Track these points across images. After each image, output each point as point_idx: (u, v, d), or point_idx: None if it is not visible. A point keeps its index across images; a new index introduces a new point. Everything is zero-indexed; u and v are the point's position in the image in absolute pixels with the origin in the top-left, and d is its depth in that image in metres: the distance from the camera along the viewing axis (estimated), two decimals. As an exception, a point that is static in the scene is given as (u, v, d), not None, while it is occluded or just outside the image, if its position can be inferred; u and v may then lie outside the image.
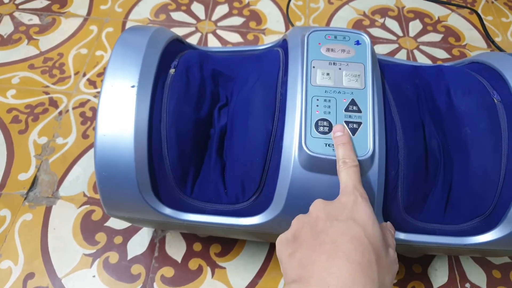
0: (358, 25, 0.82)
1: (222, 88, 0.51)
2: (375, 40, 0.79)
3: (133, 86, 0.42)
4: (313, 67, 0.43)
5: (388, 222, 0.39)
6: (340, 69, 0.43)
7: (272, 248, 0.55)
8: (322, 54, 0.44)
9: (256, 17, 0.83)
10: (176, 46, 0.52)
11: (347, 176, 0.37)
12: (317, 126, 0.40)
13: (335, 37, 0.45)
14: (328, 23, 0.81)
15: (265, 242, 0.56)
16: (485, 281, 0.53)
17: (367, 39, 0.45)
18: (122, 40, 0.46)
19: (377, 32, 0.81)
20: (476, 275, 0.53)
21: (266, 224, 0.43)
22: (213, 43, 0.78)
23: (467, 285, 0.52)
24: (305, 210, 0.41)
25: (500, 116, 0.43)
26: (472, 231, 0.44)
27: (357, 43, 0.45)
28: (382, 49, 0.78)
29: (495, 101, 0.44)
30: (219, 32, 0.80)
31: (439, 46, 0.79)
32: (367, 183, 0.40)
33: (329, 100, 0.41)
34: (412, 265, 0.54)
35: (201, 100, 0.46)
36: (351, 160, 0.38)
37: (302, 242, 0.32)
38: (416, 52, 0.78)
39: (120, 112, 0.41)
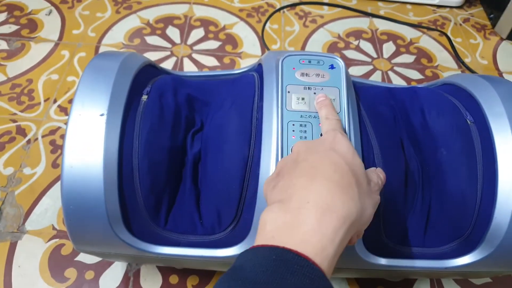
0: (333, 47, 0.83)
1: (197, 113, 0.50)
2: (350, 62, 0.80)
3: (102, 115, 0.40)
4: (288, 92, 0.43)
5: (378, 168, 0.39)
6: (315, 93, 0.43)
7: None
8: (297, 79, 0.43)
9: (232, 40, 0.83)
10: (149, 71, 0.51)
11: (329, 125, 0.38)
12: (293, 152, 0.39)
13: (309, 61, 0.45)
14: (303, 46, 0.82)
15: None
16: (468, 303, 0.52)
17: (341, 63, 0.45)
18: (92, 66, 0.44)
19: (352, 54, 0.82)
20: (459, 297, 0.53)
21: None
22: (189, 67, 0.77)
23: (451, 308, 0.52)
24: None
25: (474, 137, 0.43)
26: (452, 254, 0.43)
27: (332, 67, 0.44)
28: (357, 71, 0.79)
29: (468, 122, 0.45)
30: (195, 56, 0.79)
31: (412, 67, 0.81)
32: (346, 209, 0.39)
33: (305, 125, 0.41)
34: (395, 289, 0.53)
35: (176, 127, 0.45)
36: (333, 116, 0.39)
37: (284, 174, 0.32)
38: (390, 73, 0.79)
39: (88, 142, 0.39)
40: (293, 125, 0.41)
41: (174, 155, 0.43)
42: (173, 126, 0.45)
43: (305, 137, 0.40)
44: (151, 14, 0.87)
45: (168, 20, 0.86)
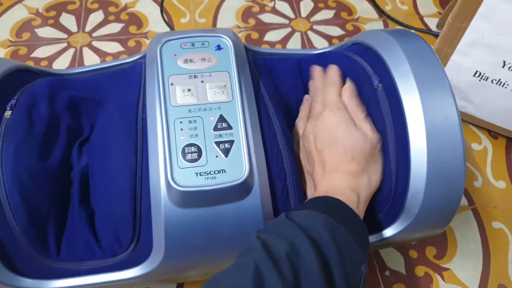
0: (247, 13, 0.76)
1: (86, 118, 0.44)
2: (267, 27, 0.75)
3: (-51, 146, 0.33)
4: (171, 84, 0.37)
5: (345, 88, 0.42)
6: (202, 81, 0.38)
7: None
8: (180, 67, 0.38)
9: (136, 20, 0.74)
10: (18, 78, 0.43)
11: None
12: (184, 153, 0.35)
13: (193, 44, 0.39)
14: (215, 16, 0.75)
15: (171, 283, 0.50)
16: (403, 264, 0.52)
17: (229, 41, 0.39)
18: None
19: (268, 17, 0.76)
20: (394, 260, 0.52)
21: (153, 272, 0.37)
22: (89, 58, 0.69)
23: (387, 273, 0.51)
24: (190, 251, 0.36)
25: (381, 103, 0.40)
26: (376, 228, 0.41)
27: (218, 48, 0.39)
28: (275, 36, 0.73)
29: (376, 87, 0.41)
30: (95, 43, 0.71)
31: (332, 23, 0.76)
32: (250, 207, 0.35)
33: (195, 121, 0.36)
34: (331, 265, 0.52)
35: (52, 142, 0.39)
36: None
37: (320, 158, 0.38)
38: (310, 33, 0.74)
39: None
40: (181, 122, 0.36)
41: (54, 175, 0.38)
42: (48, 142, 0.39)
43: (196, 135, 0.35)
44: (40, 2, 0.76)
45: (60, 7, 0.76)
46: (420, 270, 0.51)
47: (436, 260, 0.52)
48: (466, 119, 0.65)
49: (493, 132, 0.65)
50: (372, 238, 0.41)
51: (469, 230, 0.55)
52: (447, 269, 0.52)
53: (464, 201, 0.58)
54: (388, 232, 0.41)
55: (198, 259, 0.37)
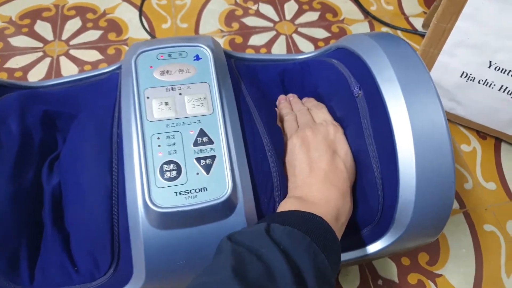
0: (231, 17, 0.75)
1: (61, 134, 0.41)
2: (251, 31, 0.73)
3: None
4: (147, 97, 0.35)
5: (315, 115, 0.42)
6: (180, 94, 0.36)
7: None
8: (156, 79, 0.36)
9: (116, 26, 0.72)
10: (-14, 94, 0.41)
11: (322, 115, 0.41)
12: (162, 172, 0.33)
13: (169, 55, 0.37)
14: (197, 20, 0.73)
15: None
16: (396, 272, 0.50)
17: (207, 51, 0.37)
18: None
19: (252, 21, 0.75)
20: (386, 269, 0.51)
21: (134, 297, 0.35)
22: (67, 67, 0.66)
23: (380, 282, 0.50)
24: (173, 273, 0.34)
25: (361, 112, 0.39)
26: (366, 241, 0.40)
27: (197, 58, 0.37)
28: (259, 39, 0.72)
29: (358, 94, 0.40)
30: (73, 52, 0.68)
31: (317, 25, 0.75)
32: (234, 226, 0.33)
33: (173, 136, 0.34)
34: (322, 277, 0.50)
35: (23, 159, 0.37)
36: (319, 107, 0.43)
37: (300, 172, 0.37)
38: (295, 36, 0.73)
39: None
40: (158, 138, 0.34)
41: (26, 196, 0.36)
42: (20, 160, 0.36)
43: (175, 151, 0.34)
44: (13, 9, 0.73)
45: (35, 14, 0.73)
46: (413, 278, 0.50)
47: (429, 267, 0.51)
48: (455, 120, 0.64)
49: (481, 133, 0.64)
50: (362, 252, 0.40)
51: (460, 234, 0.54)
52: (440, 275, 0.51)
53: (455, 205, 0.57)
54: (379, 244, 0.39)
55: (182, 280, 0.35)
